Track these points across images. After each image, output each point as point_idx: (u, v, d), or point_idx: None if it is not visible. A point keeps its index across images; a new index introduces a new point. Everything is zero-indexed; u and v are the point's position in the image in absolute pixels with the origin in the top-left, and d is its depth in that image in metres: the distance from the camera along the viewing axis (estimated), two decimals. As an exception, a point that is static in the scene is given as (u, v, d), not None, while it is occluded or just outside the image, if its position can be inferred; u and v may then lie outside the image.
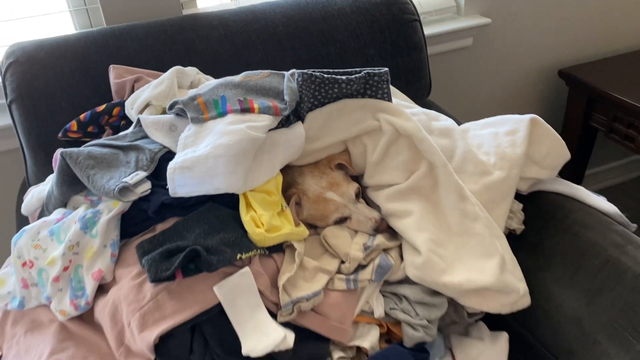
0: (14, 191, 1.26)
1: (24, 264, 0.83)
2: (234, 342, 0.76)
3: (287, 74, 0.92)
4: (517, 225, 1.02)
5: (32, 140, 1.06)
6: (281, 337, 0.75)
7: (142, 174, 0.80)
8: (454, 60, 1.73)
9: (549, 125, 1.01)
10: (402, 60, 1.29)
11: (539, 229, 1.02)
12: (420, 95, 1.35)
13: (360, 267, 0.89)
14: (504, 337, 0.97)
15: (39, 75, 1.06)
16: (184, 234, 0.78)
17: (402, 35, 1.28)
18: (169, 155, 0.85)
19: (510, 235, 1.03)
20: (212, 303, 0.75)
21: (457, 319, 0.99)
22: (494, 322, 1.01)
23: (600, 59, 1.85)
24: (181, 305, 0.74)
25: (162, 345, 0.75)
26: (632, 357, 0.84)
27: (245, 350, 0.74)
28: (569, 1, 1.75)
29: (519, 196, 1.06)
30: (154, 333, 0.72)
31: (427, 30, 1.60)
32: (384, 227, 0.93)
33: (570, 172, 1.91)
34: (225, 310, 0.76)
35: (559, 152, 1.01)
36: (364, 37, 1.25)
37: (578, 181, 1.94)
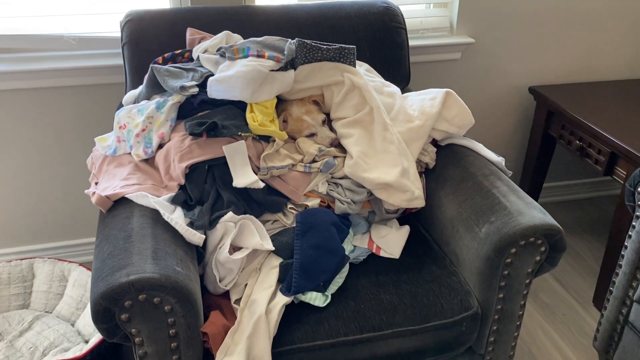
0: (114, 106, 1.89)
1: (120, 127, 1.43)
2: (229, 180, 1.32)
3: (290, 40, 1.49)
4: (430, 161, 1.53)
5: (133, 68, 1.66)
6: (256, 179, 1.30)
7: (194, 82, 1.39)
8: (445, 69, 2.24)
9: (459, 98, 1.52)
10: (386, 54, 1.81)
11: (444, 165, 1.52)
12: (399, 82, 1.85)
13: (315, 162, 1.43)
14: (405, 228, 1.49)
15: (144, 29, 1.67)
16: (212, 117, 1.36)
17: (388, 36, 1.81)
18: (212, 76, 1.43)
19: (427, 168, 1.55)
20: (221, 154, 1.32)
21: (380, 215, 1.52)
22: (405, 222, 1.53)
23: (561, 83, 2.32)
24: (203, 152, 1.31)
25: (190, 174, 1.32)
26: (472, 236, 1.33)
27: (234, 183, 1.30)
28: (542, 33, 2.23)
29: (437, 145, 1.57)
30: (185, 163, 1.30)
31: (425, 42, 2.13)
32: (336, 143, 1.47)
33: (533, 175, 2.36)
34: (227, 161, 1.32)
35: (465, 115, 1.52)
36: (360, 33, 1.78)
37: (538, 185, 2.39)
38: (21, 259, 1.90)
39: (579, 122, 1.99)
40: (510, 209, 1.29)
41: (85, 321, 1.81)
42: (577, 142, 2.03)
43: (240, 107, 1.41)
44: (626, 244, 1.56)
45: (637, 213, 1.51)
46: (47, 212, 2.08)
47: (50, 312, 1.87)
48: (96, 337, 1.63)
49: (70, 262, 1.96)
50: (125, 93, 1.72)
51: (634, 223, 1.52)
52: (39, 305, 1.89)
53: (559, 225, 1.27)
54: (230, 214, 1.27)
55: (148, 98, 1.48)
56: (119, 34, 1.74)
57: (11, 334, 1.72)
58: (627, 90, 2.22)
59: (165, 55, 1.58)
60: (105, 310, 1.06)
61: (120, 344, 1.71)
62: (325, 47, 1.47)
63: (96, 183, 1.43)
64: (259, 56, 1.42)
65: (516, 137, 2.44)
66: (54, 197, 2.06)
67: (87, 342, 1.74)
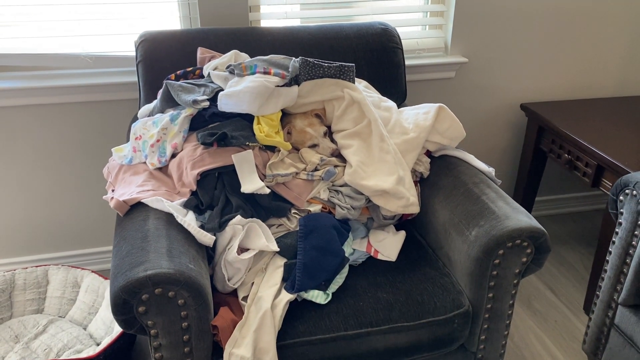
0: (127, 121, 2.00)
1: (136, 138, 1.54)
2: (238, 186, 1.43)
3: (294, 58, 1.60)
4: (424, 170, 1.63)
5: (147, 84, 1.77)
6: (262, 186, 1.41)
7: (205, 97, 1.50)
8: (440, 87, 2.35)
9: (451, 112, 1.63)
10: (383, 72, 1.92)
11: (437, 174, 1.63)
12: (396, 99, 1.96)
13: (317, 170, 1.54)
14: (402, 233, 1.58)
15: (157, 48, 1.79)
16: (222, 129, 1.47)
17: (386, 56, 1.93)
18: (222, 91, 1.54)
19: (422, 177, 1.65)
20: (230, 162, 1.43)
21: (377, 221, 1.61)
22: (401, 228, 1.63)
23: (551, 100, 2.44)
24: (214, 160, 1.42)
25: (201, 180, 1.42)
26: (463, 239, 1.43)
27: (242, 189, 1.41)
28: (533, 53, 2.35)
29: (431, 156, 1.68)
30: (197, 170, 1.40)
31: (421, 61, 2.25)
32: (337, 153, 1.58)
33: (525, 189, 2.46)
34: (235, 169, 1.43)
35: (457, 128, 1.63)
36: (359, 53, 1.90)
37: (530, 198, 2.49)
38: (36, 266, 1.99)
39: (568, 136, 2.10)
40: (498, 214, 1.39)
41: (97, 325, 1.89)
42: (566, 155, 2.14)
43: (248, 119, 1.53)
44: (610, 249, 1.65)
45: (620, 220, 1.61)
46: (61, 222, 2.19)
47: (64, 317, 1.96)
48: (109, 338, 1.72)
49: (83, 269, 2.05)
50: (139, 108, 1.83)
51: (617, 230, 1.62)
52: (52, 310, 1.98)
53: (543, 229, 1.36)
54: (238, 218, 1.37)
55: (162, 111, 1.59)
56: (133, 53, 1.87)
57: (27, 336, 1.81)
58: (612, 107, 2.33)
59: (178, 72, 1.69)
60: (124, 302, 1.16)
61: (132, 345, 1.80)
62: (326, 64, 1.58)
63: (113, 190, 1.53)
64: (265, 73, 1.53)
65: (509, 151, 2.55)
66: (68, 207, 2.17)
67: (98, 344, 1.82)
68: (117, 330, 1.73)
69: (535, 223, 1.37)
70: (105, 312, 1.92)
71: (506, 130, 2.50)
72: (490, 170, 1.61)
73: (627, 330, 1.59)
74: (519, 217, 1.37)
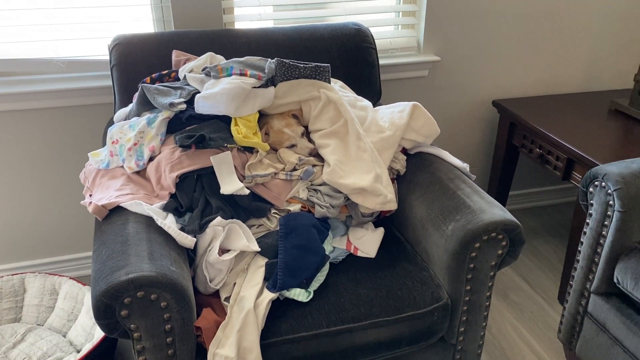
0: (102, 125, 1.99)
1: (112, 142, 1.53)
2: (217, 188, 1.43)
3: (270, 59, 1.62)
4: (400, 168, 1.66)
5: (122, 89, 1.76)
6: (241, 187, 1.42)
7: (182, 100, 1.50)
8: (414, 86, 2.39)
9: (425, 110, 1.66)
10: (358, 71, 1.95)
11: (414, 171, 1.66)
12: (371, 98, 1.99)
13: (296, 170, 1.55)
14: (380, 229, 1.61)
15: (131, 52, 1.78)
16: (200, 131, 1.47)
17: (360, 55, 1.95)
18: (199, 94, 1.54)
19: (398, 174, 1.68)
20: (209, 164, 1.43)
21: (356, 219, 1.64)
22: (380, 225, 1.65)
23: (522, 96, 2.49)
24: (192, 162, 1.42)
25: (180, 183, 1.43)
26: (440, 234, 1.46)
27: (222, 191, 1.41)
28: (503, 51, 2.40)
29: (407, 153, 1.71)
30: (176, 173, 1.40)
31: (394, 61, 2.28)
32: (315, 153, 1.60)
33: (499, 183, 2.52)
34: (215, 170, 1.43)
35: (431, 126, 1.66)
36: (334, 53, 1.92)
37: (504, 193, 2.54)
38: (12, 275, 1.97)
39: (539, 131, 2.15)
40: (473, 208, 1.43)
41: (77, 332, 1.88)
42: (538, 150, 2.19)
43: (225, 121, 1.53)
44: (582, 240, 1.70)
45: (590, 211, 1.66)
46: (37, 228, 2.16)
47: (42, 325, 1.94)
48: (89, 345, 1.71)
49: (60, 276, 2.03)
50: (115, 112, 1.82)
51: (587, 220, 1.67)
52: (30, 318, 1.95)
53: (517, 221, 1.40)
54: (218, 219, 1.37)
55: (139, 115, 1.59)
56: (107, 57, 1.85)
57: (5, 346, 1.78)
58: (581, 102, 2.40)
59: (153, 75, 1.69)
60: (107, 307, 1.16)
61: (113, 350, 1.79)
62: (302, 65, 1.60)
63: (90, 195, 1.52)
64: (241, 74, 1.54)
65: (482, 147, 2.60)
66: (44, 214, 2.14)
67: (79, 351, 1.81)
68: (98, 336, 1.72)
69: (509, 216, 1.41)
70: (85, 318, 1.90)
71: (479, 126, 2.54)
72: (465, 166, 1.65)
73: (599, 317, 1.64)
74: (493, 211, 1.41)
